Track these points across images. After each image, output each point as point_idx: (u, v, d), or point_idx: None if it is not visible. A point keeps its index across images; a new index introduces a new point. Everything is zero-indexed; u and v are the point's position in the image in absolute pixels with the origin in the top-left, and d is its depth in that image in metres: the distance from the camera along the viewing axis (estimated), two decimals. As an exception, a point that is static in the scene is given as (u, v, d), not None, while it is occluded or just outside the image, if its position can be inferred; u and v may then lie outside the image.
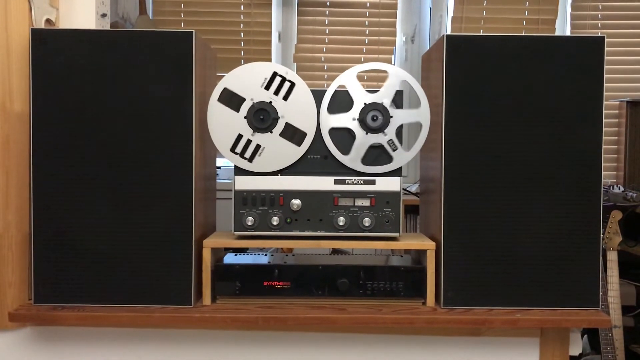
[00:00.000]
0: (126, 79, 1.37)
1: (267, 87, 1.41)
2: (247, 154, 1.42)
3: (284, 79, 1.41)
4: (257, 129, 1.41)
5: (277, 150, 1.42)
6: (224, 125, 1.42)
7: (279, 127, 1.42)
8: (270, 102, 1.41)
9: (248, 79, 1.42)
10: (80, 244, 1.37)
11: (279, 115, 1.41)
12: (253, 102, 1.41)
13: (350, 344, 1.45)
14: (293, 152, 1.42)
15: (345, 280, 1.41)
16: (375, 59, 3.00)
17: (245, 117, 1.41)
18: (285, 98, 1.41)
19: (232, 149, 1.42)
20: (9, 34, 1.39)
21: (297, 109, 1.42)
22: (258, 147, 1.42)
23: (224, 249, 1.55)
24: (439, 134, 1.41)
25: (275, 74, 1.41)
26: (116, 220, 1.37)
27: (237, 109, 1.41)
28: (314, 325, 1.42)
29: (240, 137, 1.41)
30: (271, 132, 1.42)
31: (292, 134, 1.42)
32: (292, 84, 1.41)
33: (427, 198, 1.58)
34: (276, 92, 1.41)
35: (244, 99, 1.41)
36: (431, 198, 1.52)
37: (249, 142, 1.41)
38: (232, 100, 1.41)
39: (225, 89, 1.41)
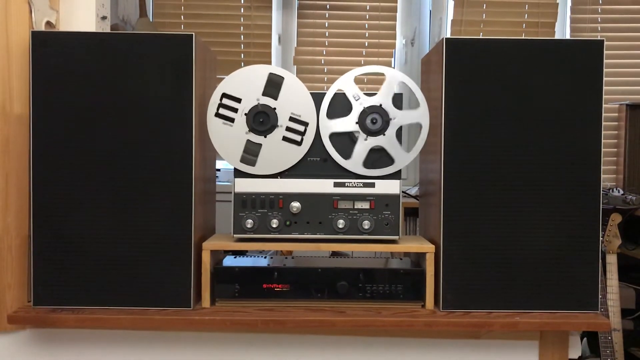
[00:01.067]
0: (126, 81, 1.37)
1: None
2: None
3: (280, 78, 1.41)
4: (258, 131, 1.41)
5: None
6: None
7: (279, 130, 1.41)
8: (267, 104, 1.41)
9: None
10: (80, 246, 1.37)
11: (279, 120, 1.41)
12: (250, 109, 1.41)
13: (349, 347, 1.45)
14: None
15: (344, 283, 1.41)
16: (375, 62, 3.00)
17: (246, 125, 1.41)
18: (275, 97, 1.41)
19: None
20: (9, 36, 1.39)
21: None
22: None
23: (223, 251, 1.55)
24: (438, 137, 1.41)
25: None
26: (115, 223, 1.37)
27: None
28: (313, 328, 1.42)
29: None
30: (271, 133, 1.41)
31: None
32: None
33: (427, 201, 1.58)
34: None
35: (241, 105, 1.41)
36: (431, 201, 1.52)
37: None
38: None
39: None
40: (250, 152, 1.42)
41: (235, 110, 1.41)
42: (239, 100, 1.42)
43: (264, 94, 1.41)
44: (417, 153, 1.45)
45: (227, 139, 1.42)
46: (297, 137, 1.42)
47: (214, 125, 1.42)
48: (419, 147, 1.45)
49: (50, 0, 1.51)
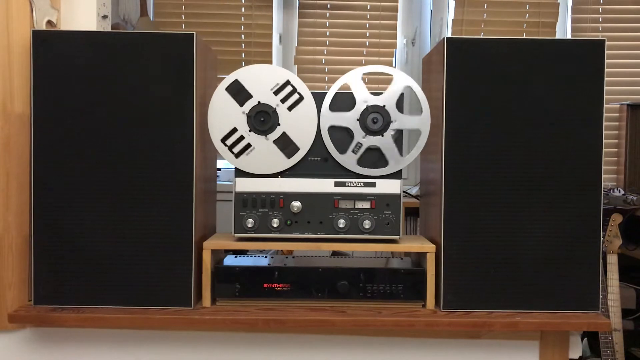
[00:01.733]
0: (127, 80, 1.37)
1: (277, 93, 1.42)
2: (236, 149, 1.42)
3: (294, 90, 1.42)
4: (254, 129, 1.41)
5: (265, 156, 1.42)
6: (223, 114, 1.42)
7: (276, 134, 1.42)
8: (275, 108, 1.41)
9: (261, 79, 1.42)
10: (80, 245, 1.37)
11: (279, 122, 1.41)
12: (259, 102, 1.41)
13: (349, 346, 1.45)
14: (281, 162, 1.43)
15: (345, 283, 1.41)
16: (375, 62, 3.00)
17: (246, 114, 1.41)
18: (290, 109, 1.42)
19: (223, 140, 1.42)
20: (10, 35, 1.39)
21: (298, 124, 1.42)
22: (249, 146, 1.42)
23: (224, 250, 1.55)
24: (439, 137, 1.41)
25: (287, 83, 1.42)
26: (116, 222, 1.37)
27: (241, 104, 1.41)
28: (313, 328, 1.42)
29: (234, 130, 1.41)
30: (266, 137, 1.42)
31: (286, 145, 1.42)
32: (301, 98, 1.42)
33: (428, 200, 1.58)
34: (283, 100, 1.42)
35: (250, 96, 1.41)
36: (431, 200, 1.52)
37: (241, 138, 1.42)
38: (239, 93, 1.41)
39: (236, 81, 1.42)
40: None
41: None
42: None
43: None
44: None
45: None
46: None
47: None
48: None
49: (51, -1, 1.52)
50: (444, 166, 1.39)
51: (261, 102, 1.41)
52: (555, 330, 1.41)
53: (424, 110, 1.43)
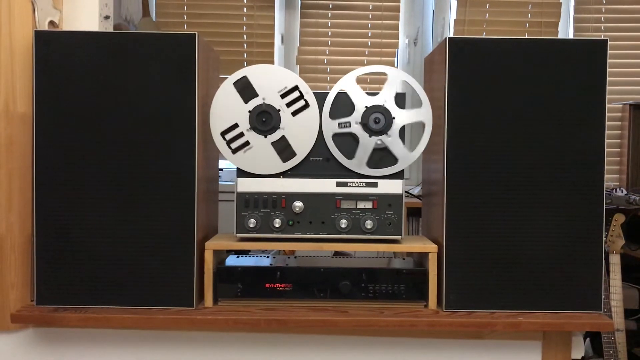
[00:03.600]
0: (129, 81, 1.37)
1: (283, 96, 1.41)
2: (234, 145, 1.42)
3: (301, 96, 1.41)
4: (255, 127, 1.41)
5: (261, 156, 1.42)
6: (227, 108, 1.42)
7: (275, 136, 1.42)
8: (279, 110, 1.41)
9: (270, 79, 1.42)
10: (83, 245, 1.37)
11: (281, 125, 1.41)
12: (263, 102, 1.41)
13: (351, 347, 1.45)
14: (275, 165, 1.43)
15: (347, 283, 1.41)
16: (377, 62, 3.00)
17: (249, 112, 1.41)
18: (294, 114, 1.42)
19: (223, 134, 1.42)
20: (13, 35, 1.39)
21: (299, 130, 1.42)
22: (247, 143, 1.42)
23: (225, 251, 1.55)
24: (441, 137, 1.41)
25: (296, 88, 1.42)
26: (118, 222, 1.37)
27: (246, 101, 1.41)
28: (315, 328, 1.42)
29: (235, 126, 1.41)
30: (265, 137, 1.42)
31: (283, 149, 1.42)
32: (306, 105, 1.42)
33: (430, 201, 1.57)
34: (289, 105, 1.42)
35: (256, 94, 1.41)
36: (433, 201, 1.52)
37: (241, 134, 1.42)
38: (245, 90, 1.41)
39: (245, 77, 1.42)
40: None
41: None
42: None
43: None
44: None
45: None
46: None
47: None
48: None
49: (53, -1, 1.52)
50: (446, 166, 1.39)
51: (266, 102, 1.41)
52: (558, 330, 1.41)
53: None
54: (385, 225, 1.43)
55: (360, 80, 1.44)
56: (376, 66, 1.47)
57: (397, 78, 1.44)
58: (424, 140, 1.44)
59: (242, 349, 1.45)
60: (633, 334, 2.51)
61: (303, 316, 1.37)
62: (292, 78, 1.43)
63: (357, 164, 1.43)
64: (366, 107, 1.42)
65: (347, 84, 1.43)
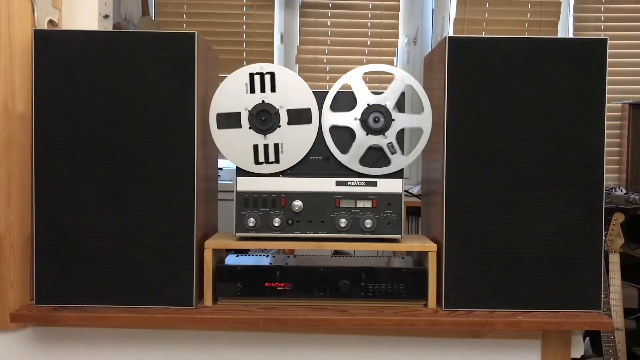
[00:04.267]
0: (128, 80, 1.37)
1: (252, 90, 1.41)
2: (272, 158, 1.42)
3: (261, 75, 1.41)
4: (265, 131, 1.41)
5: (294, 139, 1.42)
6: (236, 145, 1.42)
7: (283, 118, 1.41)
8: (263, 101, 1.41)
9: (232, 92, 1.41)
10: (82, 244, 1.37)
11: (277, 107, 1.41)
12: (248, 111, 1.41)
13: (351, 346, 1.45)
14: (308, 132, 1.42)
15: (346, 282, 1.41)
16: (377, 61, 3.00)
17: (249, 128, 1.41)
18: (273, 89, 1.41)
19: (257, 162, 1.42)
20: (12, 34, 1.39)
21: (289, 92, 1.41)
22: (276, 145, 1.42)
23: (225, 250, 1.55)
24: (440, 136, 1.41)
25: (251, 75, 1.41)
26: (118, 221, 1.37)
27: (239, 125, 1.41)
28: (315, 327, 1.42)
29: (256, 147, 1.42)
30: (280, 127, 1.41)
31: (299, 117, 1.42)
32: (272, 74, 1.41)
33: (429, 200, 1.57)
34: (262, 90, 1.41)
35: (239, 113, 1.41)
36: (433, 200, 1.52)
37: (266, 146, 1.42)
38: (229, 120, 1.41)
39: (218, 115, 1.41)
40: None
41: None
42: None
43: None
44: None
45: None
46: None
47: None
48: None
49: (52, -2, 1.52)
50: (446, 165, 1.39)
51: (249, 108, 1.41)
52: (557, 329, 1.41)
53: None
54: (384, 224, 1.43)
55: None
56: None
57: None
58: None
59: (241, 348, 1.45)
60: (632, 333, 2.51)
61: (302, 315, 1.37)
62: (241, 74, 1.41)
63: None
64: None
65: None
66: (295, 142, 1.42)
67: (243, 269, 1.42)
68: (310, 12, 3.04)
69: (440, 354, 1.45)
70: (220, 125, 1.41)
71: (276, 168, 1.42)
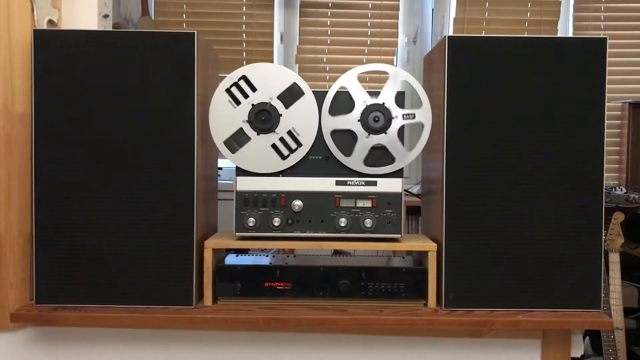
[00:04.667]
0: (128, 79, 1.37)
1: (237, 102, 1.41)
2: (293, 145, 1.42)
3: (235, 84, 1.41)
4: (271, 127, 1.41)
5: (301, 117, 1.42)
6: (258, 156, 1.42)
7: (279, 106, 1.41)
8: (253, 104, 1.41)
9: (223, 116, 1.41)
10: (82, 244, 1.37)
11: (268, 101, 1.41)
12: (247, 121, 1.41)
13: (351, 345, 1.45)
14: (308, 103, 1.41)
15: (346, 282, 1.41)
16: (377, 60, 2.99)
17: (258, 134, 1.41)
18: (254, 89, 1.41)
19: (283, 157, 1.42)
20: (11, 34, 1.39)
21: (268, 81, 1.41)
22: (290, 132, 1.41)
23: (225, 249, 1.55)
24: (440, 135, 1.41)
25: (228, 90, 1.41)
26: (117, 221, 1.37)
27: (248, 138, 1.42)
28: (315, 327, 1.42)
29: (275, 146, 1.42)
30: (282, 115, 1.41)
31: (291, 95, 1.41)
32: (244, 77, 1.41)
33: (429, 199, 1.57)
34: (245, 96, 1.41)
35: (241, 129, 1.41)
36: (433, 199, 1.52)
37: (282, 139, 1.42)
38: (237, 140, 1.41)
39: (225, 142, 1.42)
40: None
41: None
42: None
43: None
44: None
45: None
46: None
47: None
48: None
49: (52, -2, 1.52)
50: (446, 165, 1.39)
51: (262, 102, 1.41)
52: (557, 329, 1.41)
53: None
54: (384, 223, 1.43)
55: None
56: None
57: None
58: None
59: (241, 348, 1.45)
60: (632, 333, 2.51)
61: (302, 315, 1.37)
62: (289, 76, 1.42)
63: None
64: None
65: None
66: (302, 118, 1.42)
67: (243, 268, 1.42)
68: (310, 12, 3.04)
69: (440, 354, 1.45)
70: (233, 150, 1.42)
71: (303, 151, 1.42)
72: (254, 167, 1.42)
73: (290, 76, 1.42)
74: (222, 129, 1.42)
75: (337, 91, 1.43)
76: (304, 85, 1.42)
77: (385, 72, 1.45)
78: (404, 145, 1.44)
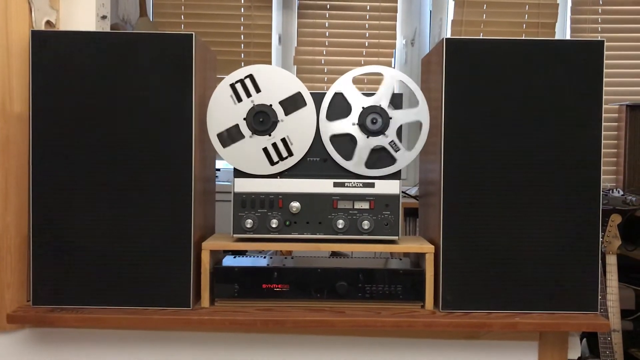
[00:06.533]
0: (126, 81, 1.37)
1: (239, 99, 1.41)
2: (284, 153, 1.42)
3: (241, 81, 1.41)
4: (267, 130, 1.41)
5: (298, 127, 1.42)
6: (247, 156, 1.42)
7: (279, 112, 1.41)
8: (254, 103, 1.41)
9: (222, 109, 1.42)
10: (79, 245, 1.37)
11: (269, 104, 1.41)
12: (244, 119, 1.41)
13: (348, 347, 1.45)
14: (308, 114, 1.42)
15: (344, 283, 1.41)
16: (375, 62, 3.00)
17: (252, 135, 1.41)
18: (258, 90, 1.41)
19: (272, 163, 1.42)
20: (9, 35, 1.39)
21: (274, 85, 1.42)
22: (284, 140, 1.42)
23: (222, 251, 1.55)
24: (438, 137, 1.41)
25: (232, 85, 1.41)
26: (115, 222, 1.37)
27: (242, 136, 1.42)
28: (312, 328, 1.42)
29: (266, 149, 1.42)
30: (280, 121, 1.41)
31: (293, 103, 1.42)
32: (250, 76, 1.41)
33: (427, 201, 1.58)
34: (248, 95, 1.41)
35: (237, 125, 1.41)
36: (430, 201, 1.52)
37: (275, 145, 1.42)
38: (231, 135, 1.42)
39: (218, 135, 1.41)
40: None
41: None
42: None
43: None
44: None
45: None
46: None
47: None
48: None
49: (50, -1, 1.51)
50: (443, 167, 1.39)
51: (264, 102, 1.41)
52: (554, 330, 1.41)
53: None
54: (382, 225, 1.43)
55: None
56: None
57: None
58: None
59: (238, 350, 1.45)
60: (629, 335, 2.52)
61: (300, 317, 1.37)
62: (295, 84, 1.42)
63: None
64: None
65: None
66: (299, 129, 1.42)
67: (240, 270, 1.42)
68: (308, 13, 3.04)
69: (438, 355, 1.45)
70: (225, 144, 1.42)
71: (293, 160, 1.42)
72: (241, 165, 1.42)
73: (296, 85, 1.42)
74: (218, 121, 1.42)
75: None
76: (308, 96, 1.42)
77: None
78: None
